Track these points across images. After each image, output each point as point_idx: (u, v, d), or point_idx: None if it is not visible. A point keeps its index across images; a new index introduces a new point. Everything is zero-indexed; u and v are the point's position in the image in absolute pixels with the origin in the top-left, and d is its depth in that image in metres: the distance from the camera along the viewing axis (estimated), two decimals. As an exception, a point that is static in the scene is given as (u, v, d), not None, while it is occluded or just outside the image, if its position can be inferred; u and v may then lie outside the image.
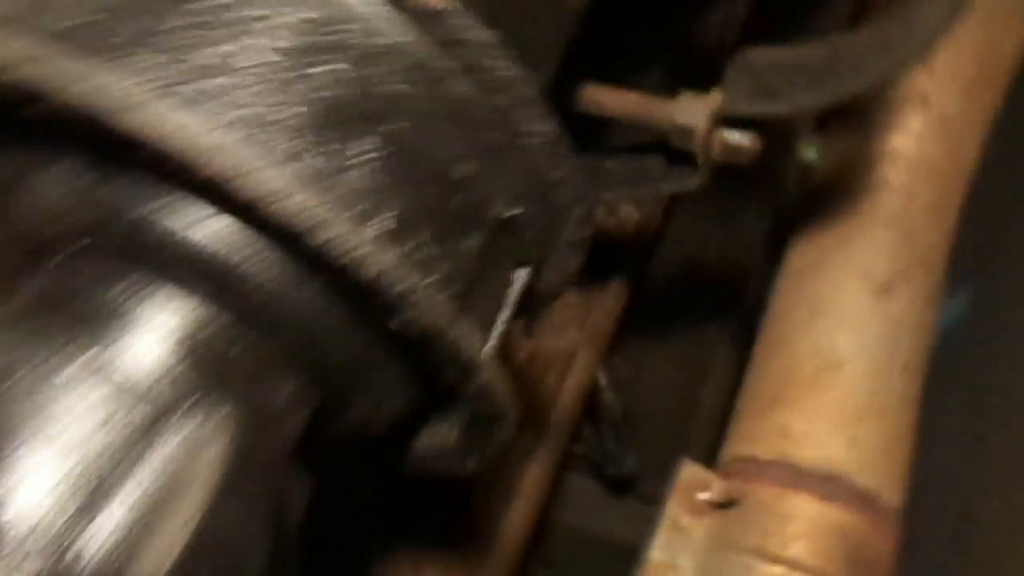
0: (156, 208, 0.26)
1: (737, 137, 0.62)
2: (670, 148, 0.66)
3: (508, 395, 0.31)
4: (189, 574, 0.22)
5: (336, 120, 0.26)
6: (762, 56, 0.59)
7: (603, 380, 1.23)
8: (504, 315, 0.35)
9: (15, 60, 0.22)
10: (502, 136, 0.31)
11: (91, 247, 0.28)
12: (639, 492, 1.03)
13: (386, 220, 0.25)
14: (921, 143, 0.88)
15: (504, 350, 0.36)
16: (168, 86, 0.24)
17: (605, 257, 1.16)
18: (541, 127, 0.31)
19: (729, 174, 0.63)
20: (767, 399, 0.70)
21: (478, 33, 0.28)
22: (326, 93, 0.26)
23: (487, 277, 0.32)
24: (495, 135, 0.31)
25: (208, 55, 0.24)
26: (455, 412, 0.33)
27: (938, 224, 0.89)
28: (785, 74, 0.60)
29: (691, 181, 0.66)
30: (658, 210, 0.99)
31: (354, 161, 0.25)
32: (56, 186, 0.27)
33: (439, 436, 0.36)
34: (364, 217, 0.25)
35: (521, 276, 0.36)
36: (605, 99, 0.66)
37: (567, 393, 1.04)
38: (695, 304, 1.52)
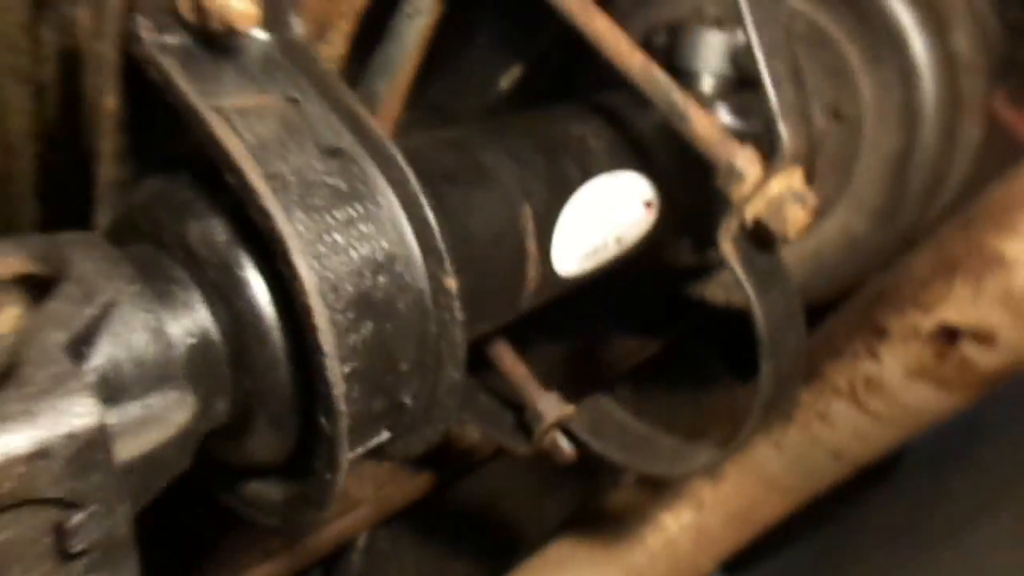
0: (250, 279, 0.45)
1: (565, 445, 0.85)
2: (522, 415, 0.88)
3: (332, 498, 0.48)
4: (148, 464, 0.38)
5: (364, 303, 0.46)
6: (606, 406, 0.83)
7: (361, 543, 1.35)
8: (360, 451, 0.53)
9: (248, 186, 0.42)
10: (431, 361, 0.51)
11: (194, 263, 0.46)
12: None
13: (356, 368, 0.45)
14: (682, 528, 1.13)
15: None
16: (304, 240, 0.44)
17: (437, 450, 1.34)
18: (455, 370, 0.52)
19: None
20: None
21: (458, 309, 0.50)
22: (370, 289, 0.46)
23: (370, 426, 0.50)
24: (428, 358, 0.51)
25: (334, 243, 0.45)
26: (295, 482, 0.50)
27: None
28: (613, 430, 0.83)
29: (521, 449, 0.88)
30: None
31: (361, 328, 0.45)
32: (210, 228, 0.45)
33: (270, 490, 0.52)
34: (347, 360, 0.44)
35: (383, 436, 0.55)
36: (504, 361, 0.89)
37: (332, 529, 1.16)
38: (472, 537, 1.69)
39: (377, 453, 0.58)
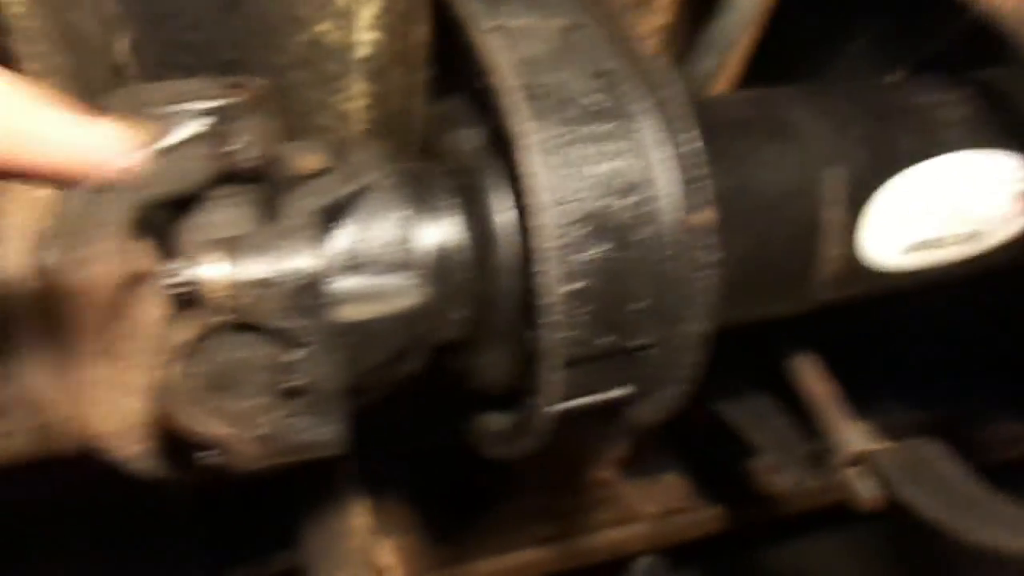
0: (493, 184, 0.45)
1: (864, 488, 0.70)
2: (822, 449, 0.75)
3: (545, 429, 0.45)
4: (365, 332, 0.41)
5: (600, 223, 0.43)
6: (929, 452, 0.66)
7: (640, 566, 1.28)
8: (597, 399, 0.50)
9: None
10: (671, 306, 0.46)
11: (453, 171, 0.48)
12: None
13: (581, 289, 0.42)
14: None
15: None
16: (545, 144, 0.42)
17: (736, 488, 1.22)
18: (698, 322, 0.45)
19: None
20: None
21: (711, 251, 0.44)
22: (609, 209, 0.43)
23: (599, 366, 0.47)
24: (668, 302, 0.45)
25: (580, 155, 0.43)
26: (514, 411, 0.48)
27: None
28: (935, 481, 0.66)
29: (809, 482, 0.75)
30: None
31: (593, 249, 0.42)
32: (467, 135, 0.47)
33: (496, 419, 0.52)
34: (573, 278, 0.41)
35: (624, 389, 0.50)
36: (806, 377, 0.77)
37: (606, 536, 1.12)
38: None
39: (617, 414, 0.54)
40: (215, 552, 0.92)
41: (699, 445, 1.25)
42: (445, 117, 0.51)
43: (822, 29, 0.93)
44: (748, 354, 0.87)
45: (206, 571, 0.92)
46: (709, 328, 0.46)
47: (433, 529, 0.98)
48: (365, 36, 0.77)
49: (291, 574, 0.83)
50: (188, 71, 0.76)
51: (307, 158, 0.48)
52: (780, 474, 1.30)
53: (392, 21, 0.77)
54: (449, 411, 0.59)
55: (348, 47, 0.78)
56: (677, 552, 1.31)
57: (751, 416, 0.84)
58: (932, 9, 0.81)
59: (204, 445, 0.39)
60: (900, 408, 1.36)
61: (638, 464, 1.18)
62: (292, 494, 0.82)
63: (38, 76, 0.70)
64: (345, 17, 0.75)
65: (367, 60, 0.79)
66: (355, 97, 0.81)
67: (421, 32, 0.75)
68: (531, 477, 1.03)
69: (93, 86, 0.73)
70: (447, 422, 0.92)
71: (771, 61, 0.94)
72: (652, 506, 1.19)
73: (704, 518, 1.21)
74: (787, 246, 0.53)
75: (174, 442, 0.42)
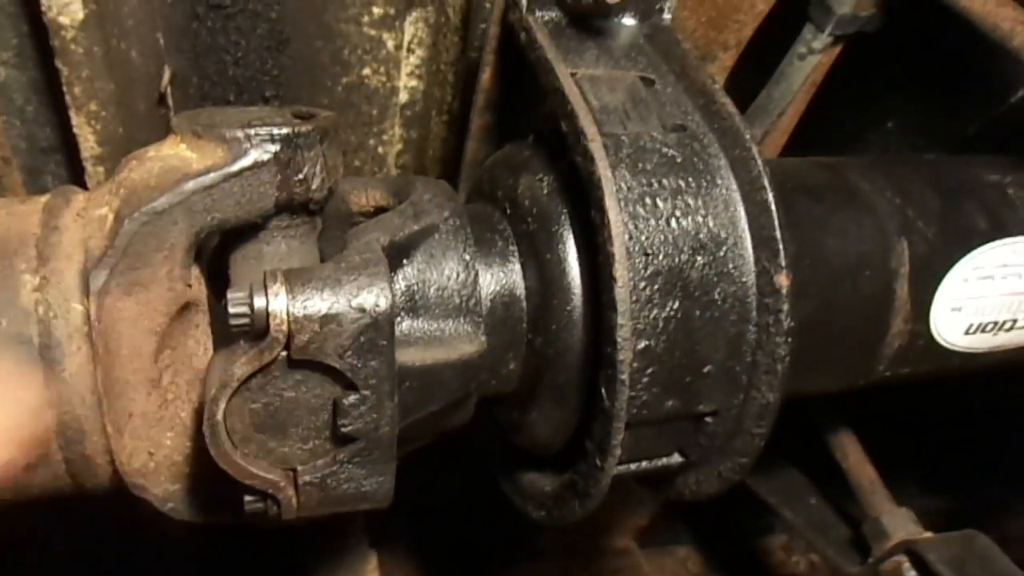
0: (563, 232, 0.43)
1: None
2: (860, 534, 0.71)
3: (600, 492, 0.43)
4: (425, 378, 0.38)
5: (674, 280, 0.41)
6: (983, 546, 0.63)
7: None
8: (645, 466, 0.47)
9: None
10: (743, 371, 0.43)
11: (517, 215, 0.46)
12: None
13: (651, 347, 0.40)
14: None
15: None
16: (623, 194, 0.41)
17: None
18: (769, 391, 0.43)
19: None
20: None
21: (786, 314, 0.42)
22: (684, 266, 0.41)
23: (659, 432, 0.44)
24: (740, 367, 0.43)
25: (655, 207, 0.41)
26: (565, 475, 0.46)
27: None
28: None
29: (853, 570, 0.71)
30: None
31: (667, 306, 0.40)
32: (537, 180, 0.45)
33: (543, 480, 0.49)
34: (644, 335, 0.39)
35: (675, 458, 0.48)
36: (848, 456, 0.74)
37: None
38: None
39: (664, 483, 0.51)
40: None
41: (714, 517, 1.21)
42: (506, 162, 0.49)
43: (859, 105, 0.92)
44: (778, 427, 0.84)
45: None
46: (778, 399, 0.44)
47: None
48: (407, 82, 0.77)
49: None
50: (227, 105, 0.76)
51: (368, 194, 0.47)
52: (797, 555, 1.25)
53: (435, 70, 0.77)
54: (474, 467, 0.56)
55: (390, 92, 0.78)
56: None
57: (783, 492, 0.80)
58: (970, 93, 0.81)
59: (249, 490, 0.36)
60: (929, 493, 1.29)
61: (653, 534, 1.13)
62: (299, 544, 0.78)
63: (80, 100, 0.69)
64: (391, 63, 0.75)
65: (407, 106, 0.79)
66: (393, 141, 0.81)
67: (463, 82, 0.75)
68: (546, 541, 0.99)
69: (135, 113, 0.72)
70: (455, 478, 0.88)
71: (808, 131, 0.94)
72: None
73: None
74: (856, 316, 0.51)
75: (215, 485, 0.40)
